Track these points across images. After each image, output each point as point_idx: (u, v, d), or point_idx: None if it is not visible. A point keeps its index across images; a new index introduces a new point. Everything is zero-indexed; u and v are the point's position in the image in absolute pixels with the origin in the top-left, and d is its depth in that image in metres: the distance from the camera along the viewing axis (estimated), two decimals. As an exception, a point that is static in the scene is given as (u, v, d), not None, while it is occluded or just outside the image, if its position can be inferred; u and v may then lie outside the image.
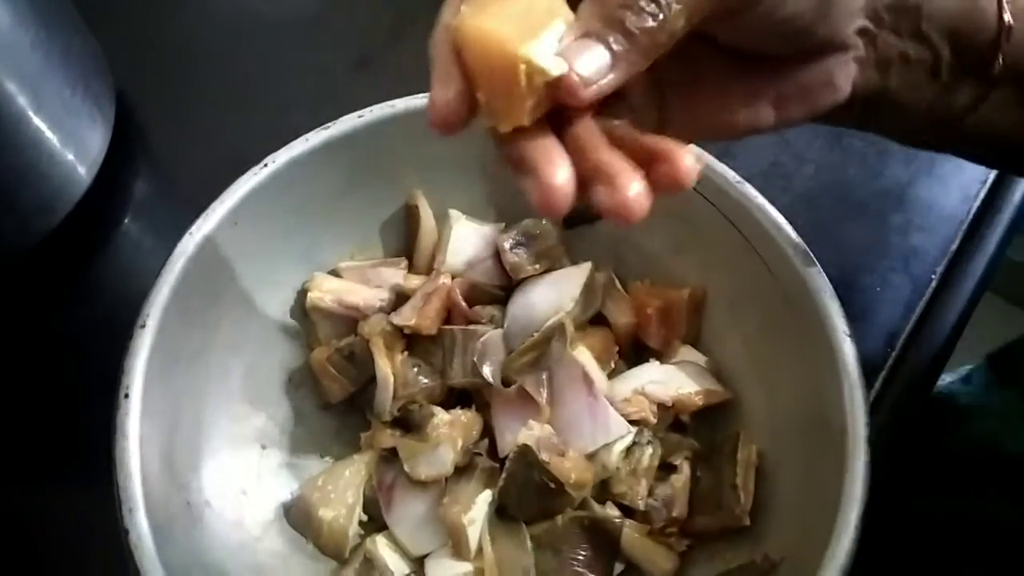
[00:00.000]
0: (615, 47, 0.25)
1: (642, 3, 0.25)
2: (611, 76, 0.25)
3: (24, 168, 0.48)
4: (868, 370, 0.47)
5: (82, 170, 0.52)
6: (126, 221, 0.55)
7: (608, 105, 0.27)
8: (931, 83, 0.33)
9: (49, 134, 0.49)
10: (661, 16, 0.25)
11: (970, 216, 0.54)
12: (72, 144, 0.50)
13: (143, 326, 0.38)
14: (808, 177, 0.56)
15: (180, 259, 0.40)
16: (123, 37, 0.60)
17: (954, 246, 0.54)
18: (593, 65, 0.25)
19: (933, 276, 0.52)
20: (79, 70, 0.51)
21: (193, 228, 0.40)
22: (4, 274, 0.51)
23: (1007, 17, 0.31)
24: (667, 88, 0.32)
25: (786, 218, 0.41)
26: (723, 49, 0.31)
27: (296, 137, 0.42)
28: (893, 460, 0.38)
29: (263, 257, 0.44)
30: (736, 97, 0.32)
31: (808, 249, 0.40)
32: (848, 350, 0.38)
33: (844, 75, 0.32)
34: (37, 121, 0.47)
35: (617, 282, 0.47)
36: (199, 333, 0.41)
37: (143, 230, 0.55)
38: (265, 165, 0.42)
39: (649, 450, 0.42)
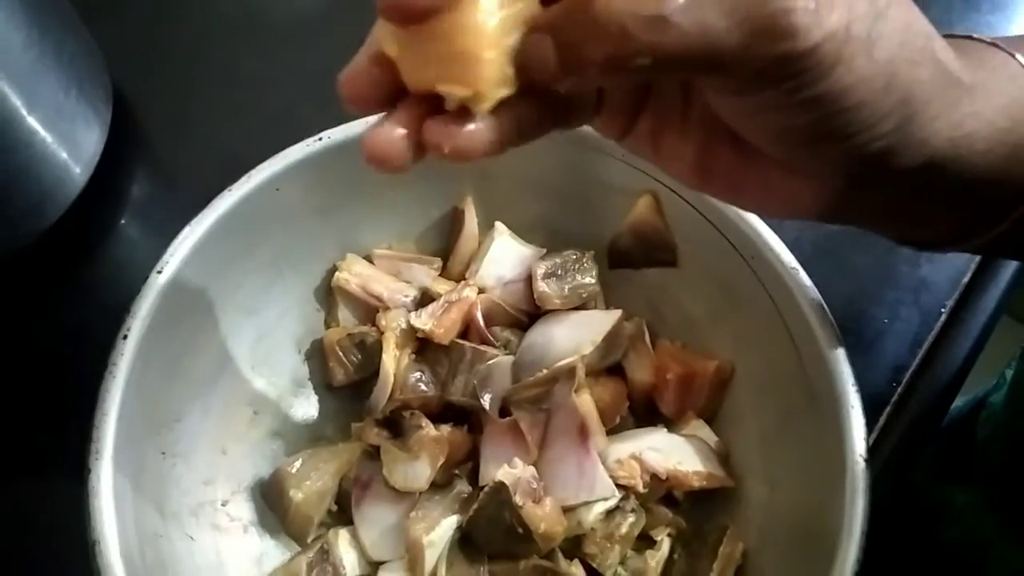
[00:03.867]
0: (562, 54, 0.22)
1: (611, 30, 0.21)
2: (554, 78, 0.23)
3: (16, 169, 0.47)
4: (873, 405, 0.46)
5: (77, 171, 0.51)
6: (122, 222, 0.54)
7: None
8: (924, 226, 0.30)
9: (42, 135, 0.48)
10: (619, 55, 0.22)
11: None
12: (66, 145, 0.50)
13: (160, 271, 0.38)
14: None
15: (214, 212, 0.40)
16: (123, 36, 0.60)
17: (966, 279, 0.51)
18: (537, 55, 0.23)
19: (943, 309, 0.50)
20: (74, 70, 0.51)
21: (235, 185, 0.40)
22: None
23: None
24: (648, 103, 0.29)
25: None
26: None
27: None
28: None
29: (300, 227, 0.44)
30: (704, 153, 0.29)
31: (845, 352, 0.37)
32: (860, 475, 0.35)
33: (813, 197, 0.28)
34: (30, 121, 0.47)
35: (647, 336, 0.45)
36: (216, 290, 0.41)
37: (139, 232, 0.54)
38: (320, 139, 0.42)
39: (631, 518, 0.40)
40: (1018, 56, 0.29)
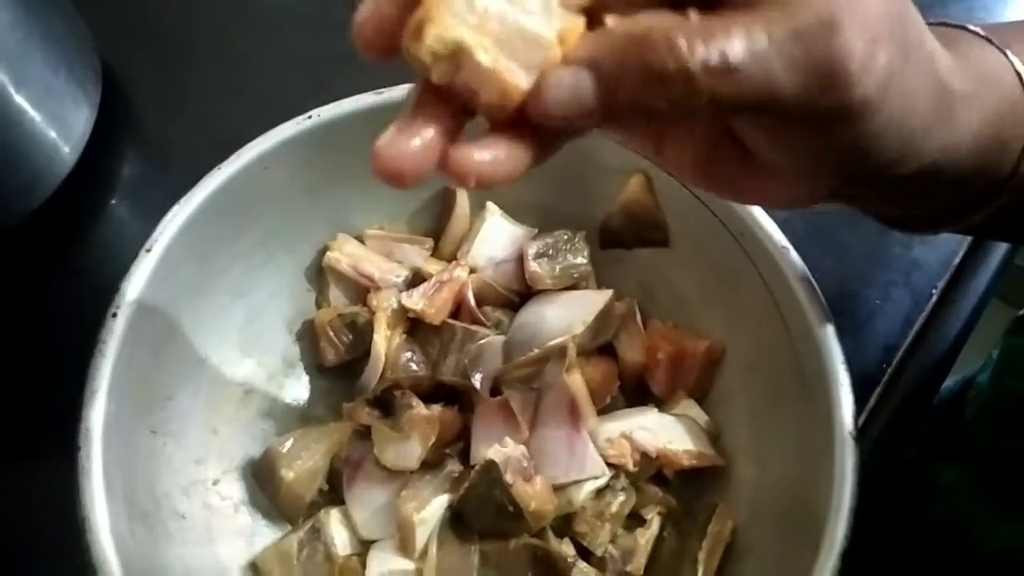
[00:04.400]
0: (608, 98, 0.21)
1: (675, 81, 0.20)
2: (587, 119, 0.21)
3: (5, 149, 0.47)
4: (864, 384, 0.46)
5: (66, 151, 0.51)
6: (112, 202, 0.54)
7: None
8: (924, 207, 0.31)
9: (31, 114, 0.48)
10: (681, 102, 0.21)
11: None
12: (55, 124, 0.49)
13: (149, 249, 0.38)
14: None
15: (203, 191, 0.40)
16: (112, 16, 0.59)
17: (956, 260, 0.51)
18: (565, 99, 0.21)
19: (934, 291, 0.51)
20: (62, 50, 0.50)
21: (224, 163, 0.40)
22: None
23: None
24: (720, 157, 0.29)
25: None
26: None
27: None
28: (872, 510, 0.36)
29: (291, 207, 0.44)
30: (712, 155, 0.28)
31: (836, 334, 0.37)
32: (849, 452, 0.35)
33: (813, 196, 0.28)
34: (18, 101, 0.47)
35: (639, 316, 0.45)
36: (205, 270, 0.41)
37: (129, 212, 0.54)
38: (310, 117, 0.42)
39: (621, 497, 0.40)
40: (1009, 54, 0.29)
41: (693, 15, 0.21)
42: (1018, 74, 0.29)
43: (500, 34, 0.21)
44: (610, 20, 0.21)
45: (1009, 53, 0.29)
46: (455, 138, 0.22)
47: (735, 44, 0.21)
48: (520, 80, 0.21)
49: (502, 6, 0.21)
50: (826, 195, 0.29)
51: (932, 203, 0.30)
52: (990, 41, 0.29)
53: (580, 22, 0.22)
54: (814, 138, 0.24)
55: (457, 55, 0.21)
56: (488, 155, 0.22)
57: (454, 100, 0.22)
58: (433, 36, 0.20)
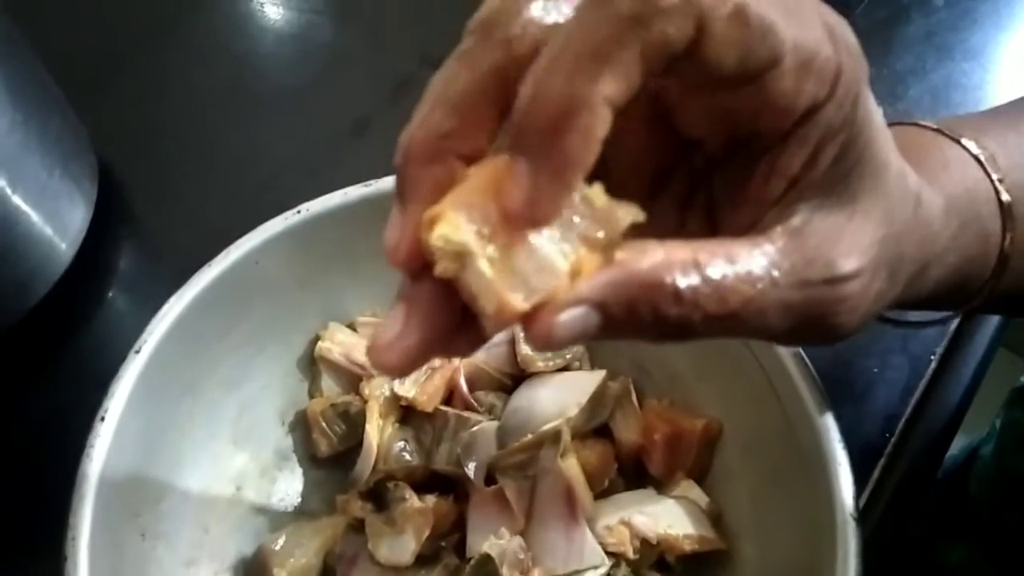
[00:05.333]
0: (614, 325, 0.21)
1: (692, 318, 0.21)
2: (589, 339, 0.21)
3: (2, 248, 0.48)
4: (866, 455, 0.45)
5: (63, 247, 0.51)
6: (110, 295, 0.55)
7: None
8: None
9: (28, 214, 0.49)
10: (689, 331, 0.21)
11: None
12: (52, 222, 0.50)
13: (137, 351, 0.38)
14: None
15: (192, 289, 0.40)
16: (107, 113, 0.61)
17: (953, 325, 0.51)
18: (572, 330, 0.21)
19: (932, 357, 0.50)
20: (59, 150, 0.51)
21: (214, 261, 0.41)
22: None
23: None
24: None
25: None
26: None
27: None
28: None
29: (281, 300, 0.44)
30: None
31: (833, 409, 0.37)
32: (851, 534, 0.34)
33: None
34: (15, 201, 0.48)
35: (634, 396, 0.45)
36: (196, 366, 0.41)
37: (127, 304, 0.54)
38: (299, 212, 0.42)
39: (623, 586, 0.39)
40: (963, 141, 0.29)
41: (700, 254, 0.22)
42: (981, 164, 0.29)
43: (510, 249, 0.21)
44: (619, 254, 0.21)
45: (963, 140, 0.30)
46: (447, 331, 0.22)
47: (737, 295, 0.22)
48: (518, 303, 0.20)
49: None
50: None
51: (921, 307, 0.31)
52: (943, 133, 0.30)
53: (596, 260, 0.21)
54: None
55: (463, 256, 0.20)
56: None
57: (453, 295, 0.22)
58: (439, 235, 0.20)
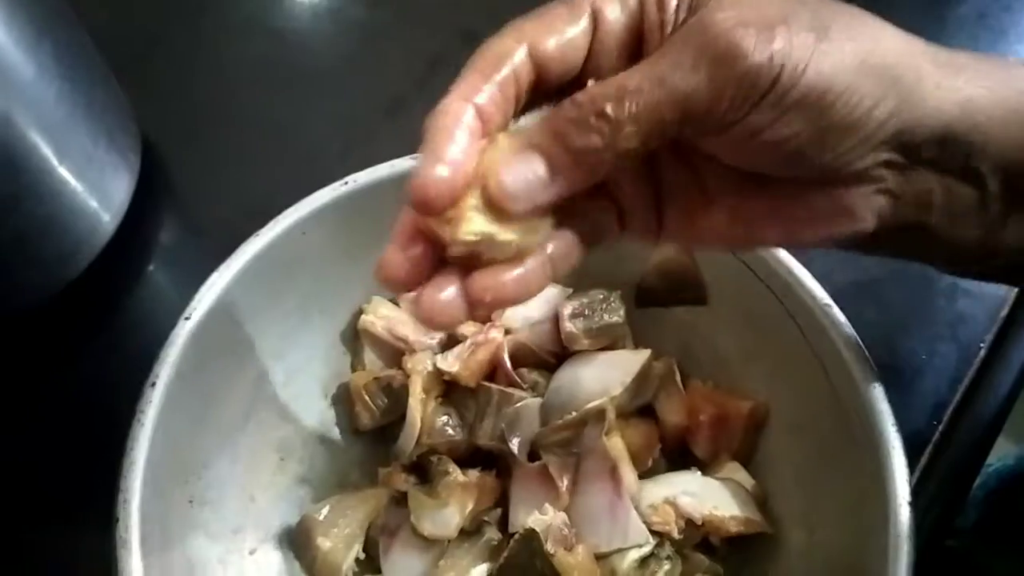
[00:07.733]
0: (555, 162, 0.25)
1: (591, 120, 0.24)
2: (549, 190, 0.25)
3: (47, 218, 0.48)
4: (913, 445, 0.43)
5: (106, 219, 0.52)
6: (150, 269, 0.55)
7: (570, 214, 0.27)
8: (979, 219, 0.28)
9: (73, 185, 0.49)
10: (609, 136, 0.24)
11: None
12: (96, 194, 0.50)
13: (188, 317, 0.38)
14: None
15: (241, 257, 0.40)
16: (151, 86, 0.61)
17: (1004, 312, 0.50)
18: (523, 179, 0.25)
19: (982, 344, 0.49)
20: (104, 121, 0.51)
21: (262, 231, 0.41)
22: (26, 323, 0.51)
23: None
24: (666, 195, 0.29)
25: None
26: (726, 165, 0.28)
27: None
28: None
29: (327, 271, 0.44)
30: (740, 211, 0.28)
31: (883, 390, 0.36)
32: (904, 521, 0.33)
33: (866, 206, 0.27)
34: (61, 172, 0.48)
35: (678, 376, 0.44)
36: (243, 335, 0.41)
37: (168, 278, 0.55)
38: (346, 183, 0.42)
39: (667, 566, 0.39)
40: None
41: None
42: None
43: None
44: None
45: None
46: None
47: (629, 74, 0.25)
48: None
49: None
50: (870, 218, 0.28)
51: (979, 214, 0.28)
52: None
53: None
54: (754, 127, 0.25)
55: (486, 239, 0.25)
56: (512, 274, 0.26)
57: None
58: (467, 231, 0.24)
